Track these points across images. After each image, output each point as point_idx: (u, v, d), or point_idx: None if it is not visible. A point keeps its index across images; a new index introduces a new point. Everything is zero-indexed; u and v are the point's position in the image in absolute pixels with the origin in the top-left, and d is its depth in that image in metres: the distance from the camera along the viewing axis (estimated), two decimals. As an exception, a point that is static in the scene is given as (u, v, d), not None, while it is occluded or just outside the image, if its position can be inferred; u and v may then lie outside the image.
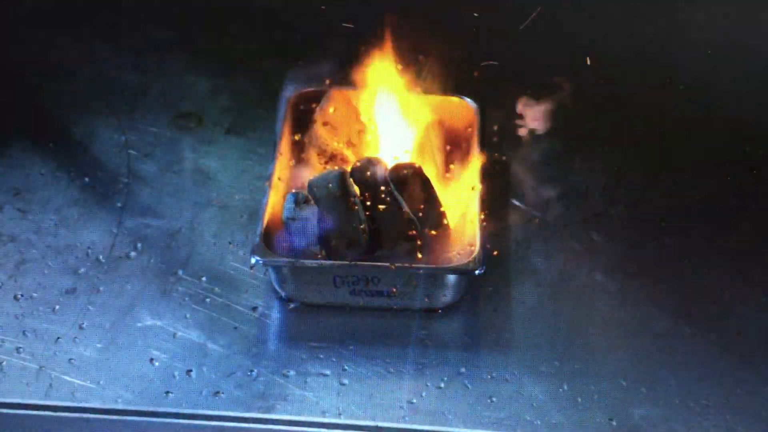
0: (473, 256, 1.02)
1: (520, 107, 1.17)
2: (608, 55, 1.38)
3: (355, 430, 0.94)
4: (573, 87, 1.26)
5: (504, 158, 1.21)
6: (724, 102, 1.32)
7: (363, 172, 1.03)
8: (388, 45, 1.12)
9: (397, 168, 1.02)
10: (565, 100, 1.26)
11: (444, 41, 1.16)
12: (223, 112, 1.27)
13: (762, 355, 1.01)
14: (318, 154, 1.10)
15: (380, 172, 1.03)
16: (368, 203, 1.03)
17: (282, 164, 1.09)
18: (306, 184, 1.06)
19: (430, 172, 1.10)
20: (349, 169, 1.05)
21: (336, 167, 1.06)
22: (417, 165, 1.03)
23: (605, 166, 1.23)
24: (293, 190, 1.06)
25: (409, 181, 1.02)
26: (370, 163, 1.03)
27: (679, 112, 1.33)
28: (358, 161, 1.04)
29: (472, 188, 1.08)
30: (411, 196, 1.02)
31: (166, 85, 1.32)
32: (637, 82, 1.37)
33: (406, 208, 1.01)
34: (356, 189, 1.03)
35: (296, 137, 1.12)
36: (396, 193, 1.01)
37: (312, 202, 1.02)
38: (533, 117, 1.16)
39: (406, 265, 1.03)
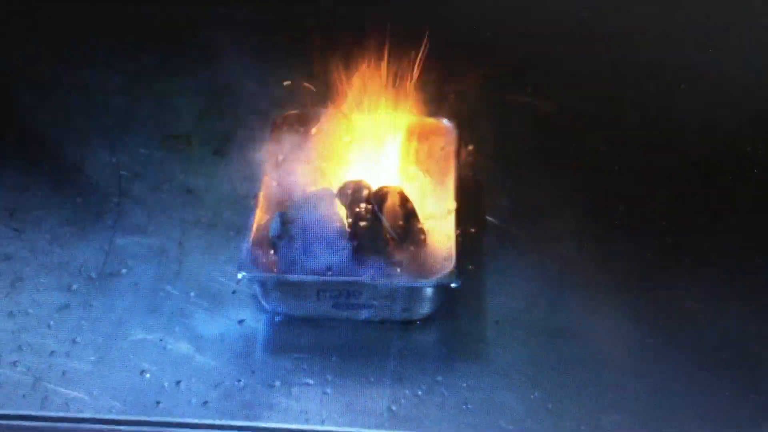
0: (450, 270, 1.02)
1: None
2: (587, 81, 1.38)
3: None
4: (544, 109, 1.28)
5: (479, 176, 1.20)
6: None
7: (349, 193, 1.04)
8: (371, 67, 1.12)
9: (380, 190, 1.04)
10: (536, 121, 1.28)
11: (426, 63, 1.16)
12: (211, 133, 1.27)
13: (722, 361, 1.01)
14: (304, 174, 1.10)
15: (364, 193, 1.04)
16: (352, 221, 1.03)
17: (267, 184, 1.08)
18: (292, 204, 1.05)
19: (410, 187, 1.09)
20: (335, 190, 1.05)
21: (322, 188, 1.06)
22: (398, 187, 1.05)
23: (574, 185, 1.22)
24: (279, 212, 1.04)
25: (390, 201, 1.04)
26: (356, 185, 1.05)
27: (646, 133, 1.31)
28: (345, 183, 1.06)
29: (448, 211, 1.09)
30: (392, 214, 1.03)
31: (155, 108, 1.32)
32: (615, 110, 1.35)
33: (387, 226, 1.02)
34: (341, 208, 1.04)
35: (281, 157, 1.11)
36: (378, 212, 1.02)
37: (298, 221, 1.02)
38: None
39: (386, 278, 1.00)
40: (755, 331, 1.05)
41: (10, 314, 1.05)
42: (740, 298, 1.09)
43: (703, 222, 1.19)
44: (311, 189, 1.08)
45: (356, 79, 1.11)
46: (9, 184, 1.22)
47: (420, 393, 0.98)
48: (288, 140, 1.14)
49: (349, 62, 1.14)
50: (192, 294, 1.08)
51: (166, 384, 0.98)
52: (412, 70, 1.12)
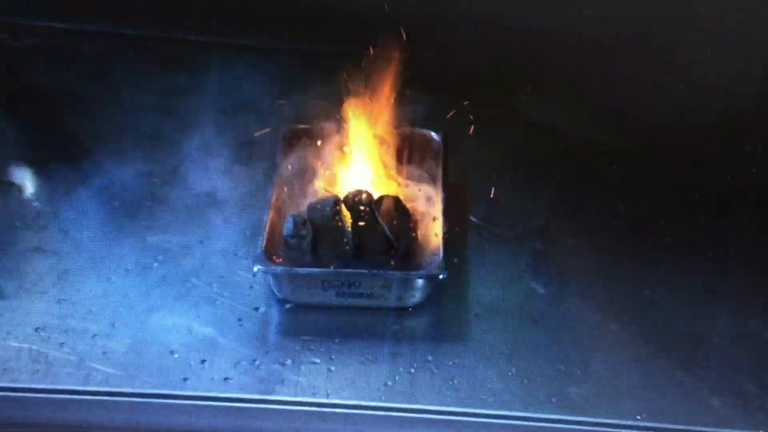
0: (438, 263, 1.06)
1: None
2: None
3: (341, 408, 0.97)
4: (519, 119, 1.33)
5: (463, 182, 1.24)
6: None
7: (352, 199, 1.10)
8: (364, 84, 1.16)
9: (380, 197, 1.10)
10: (513, 133, 1.33)
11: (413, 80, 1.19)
12: (229, 146, 1.29)
13: (675, 343, 1.05)
14: (310, 182, 1.15)
15: (366, 199, 1.10)
16: (353, 223, 1.08)
17: (278, 189, 1.13)
18: (304, 207, 1.10)
19: (404, 192, 1.14)
20: (341, 196, 1.11)
21: (329, 194, 1.11)
22: (395, 195, 1.11)
23: (545, 189, 1.26)
24: (292, 213, 1.08)
25: (386, 205, 1.09)
26: (359, 192, 1.10)
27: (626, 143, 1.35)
28: (350, 191, 1.11)
29: (434, 219, 1.13)
30: (388, 216, 1.08)
31: (181, 123, 1.34)
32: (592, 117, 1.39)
33: (384, 227, 1.07)
34: (345, 212, 1.08)
35: (290, 167, 1.16)
36: (378, 215, 1.08)
37: (308, 222, 1.07)
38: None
39: (382, 271, 1.06)
40: (700, 316, 1.09)
41: (58, 302, 1.08)
42: (687, 288, 1.13)
43: (657, 223, 1.21)
44: (320, 195, 1.12)
45: (354, 99, 1.15)
46: (57, 191, 1.23)
47: (412, 370, 1.01)
48: (296, 151, 1.18)
49: (347, 83, 1.16)
50: (214, 285, 1.11)
51: (192, 363, 1.01)
52: (403, 90, 1.15)
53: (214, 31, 1.50)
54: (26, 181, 1.26)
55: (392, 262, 1.08)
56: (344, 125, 1.15)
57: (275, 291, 1.09)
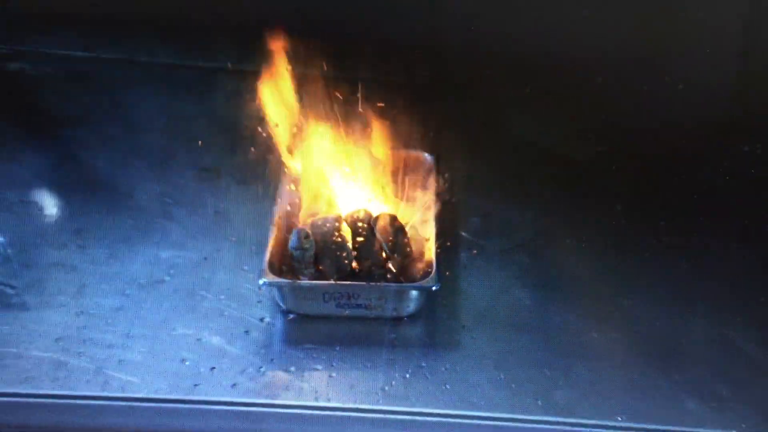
0: (431, 276, 1.07)
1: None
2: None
3: (341, 411, 0.97)
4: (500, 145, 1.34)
5: (453, 198, 1.25)
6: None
7: (351, 217, 1.11)
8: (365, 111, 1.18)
9: (378, 215, 1.11)
10: (500, 153, 1.33)
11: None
12: (236, 167, 1.30)
13: (652, 349, 1.06)
14: (310, 199, 1.15)
15: (364, 217, 1.11)
16: (353, 239, 1.09)
17: (282, 208, 1.15)
18: (308, 224, 1.11)
19: (399, 210, 1.16)
20: (342, 215, 1.12)
21: (332, 214, 1.12)
22: (391, 213, 1.12)
23: (531, 206, 1.27)
24: (297, 228, 1.09)
25: (383, 222, 1.10)
26: (357, 211, 1.12)
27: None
28: (351, 211, 1.12)
29: (427, 238, 1.13)
30: (385, 233, 1.09)
31: (191, 145, 1.35)
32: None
33: (381, 243, 1.09)
34: (345, 229, 1.10)
35: (292, 186, 1.18)
36: (375, 232, 1.09)
37: (311, 237, 1.08)
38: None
39: (379, 284, 1.07)
40: (676, 324, 1.10)
41: (77, 314, 1.08)
42: (664, 298, 1.13)
43: (635, 239, 1.22)
44: (322, 214, 1.13)
45: (352, 122, 1.16)
46: (76, 210, 1.24)
47: (407, 376, 1.02)
48: (298, 172, 1.19)
49: (347, 107, 1.18)
50: (222, 297, 1.11)
51: (202, 370, 1.01)
52: (397, 112, 1.17)
53: (219, 58, 1.51)
54: (46, 201, 1.27)
55: (388, 275, 1.09)
56: (344, 147, 1.16)
57: (279, 303, 1.09)
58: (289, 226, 1.12)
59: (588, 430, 0.96)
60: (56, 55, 1.53)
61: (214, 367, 1.02)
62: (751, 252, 1.21)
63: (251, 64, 1.46)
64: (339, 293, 1.06)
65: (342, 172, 1.17)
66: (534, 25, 1.38)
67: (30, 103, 1.47)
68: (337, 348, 1.05)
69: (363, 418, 0.97)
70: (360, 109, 1.18)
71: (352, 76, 1.22)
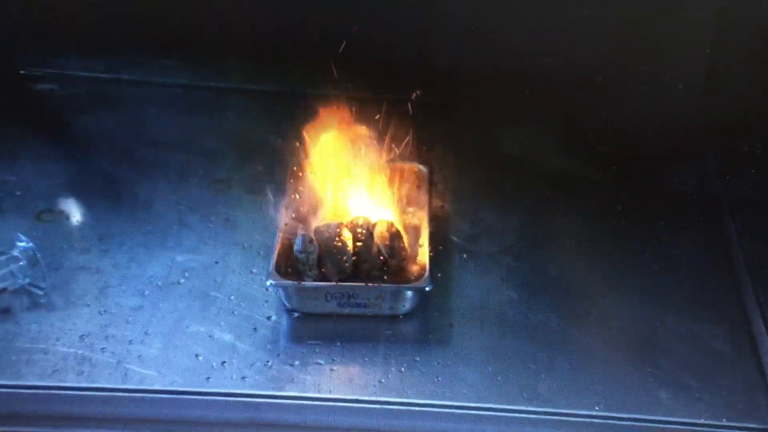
0: (424, 277, 1.09)
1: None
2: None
3: (341, 402, 0.99)
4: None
5: (446, 206, 1.28)
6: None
7: (352, 223, 1.15)
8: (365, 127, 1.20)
9: (377, 222, 1.15)
10: (488, 164, 1.35)
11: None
12: (246, 178, 1.33)
13: (628, 345, 1.09)
14: (313, 207, 1.19)
15: (363, 223, 1.15)
16: (353, 243, 1.12)
17: (287, 215, 1.16)
18: (312, 230, 1.14)
19: (396, 217, 1.18)
20: (344, 221, 1.15)
21: (335, 221, 1.15)
22: (390, 221, 1.15)
23: (516, 213, 1.29)
24: (302, 233, 1.12)
25: (381, 228, 1.14)
26: (357, 218, 1.16)
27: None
28: (351, 218, 1.15)
29: (420, 245, 1.15)
30: (382, 237, 1.13)
31: (205, 158, 1.38)
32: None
33: (379, 247, 1.12)
34: (346, 234, 1.13)
35: (297, 196, 1.20)
36: (375, 238, 1.13)
37: (314, 241, 1.11)
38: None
39: (377, 284, 1.09)
40: (649, 322, 1.12)
41: (99, 313, 1.10)
42: (639, 297, 1.16)
43: (611, 243, 1.25)
44: (325, 221, 1.16)
45: (352, 138, 1.19)
46: (99, 218, 1.27)
47: (402, 369, 1.04)
48: (302, 182, 1.21)
49: (347, 124, 1.20)
50: (233, 297, 1.13)
51: (214, 364, 1.03)
52: (393, 128, 1.19)
53: (232, 78, 1.54)
54: (72, 210, 1.29)
55: (385, 277, 1.12)
56: (345, 159, 1.19)
57: (285, 302, 1.11)
58: (295, 232, 1.13)
59: (568, 418, 0.98)
60: (82, 77, 1.55)
61: (224, 362, 1.04)
62: (718, 254, 1.23)
63: (261, 84, 1.53)
64: (340, 293, 1.09)
65: (345, 182, 1.19)
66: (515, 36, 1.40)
67: (58, 120, 1.50)
68: (338, 344, 1.07)
69: (361, 408, 0.99)
70: (360, 124, 1.20)
71: (355, 95, 1.23)
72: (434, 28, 1.43)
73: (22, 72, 1.55)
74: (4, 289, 1.10)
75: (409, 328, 1.10)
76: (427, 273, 1.09)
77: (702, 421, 0.98)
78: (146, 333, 1.08)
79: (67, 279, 1.15)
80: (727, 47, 1.35)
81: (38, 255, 1.13)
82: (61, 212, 1.28)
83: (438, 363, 1.04)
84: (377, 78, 1.33)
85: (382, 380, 1.02)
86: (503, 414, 0.98)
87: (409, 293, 1.09)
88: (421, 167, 1.27)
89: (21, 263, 1.11)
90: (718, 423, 0.98)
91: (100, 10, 1.45)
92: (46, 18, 1.48)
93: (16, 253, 1.12)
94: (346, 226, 1.13)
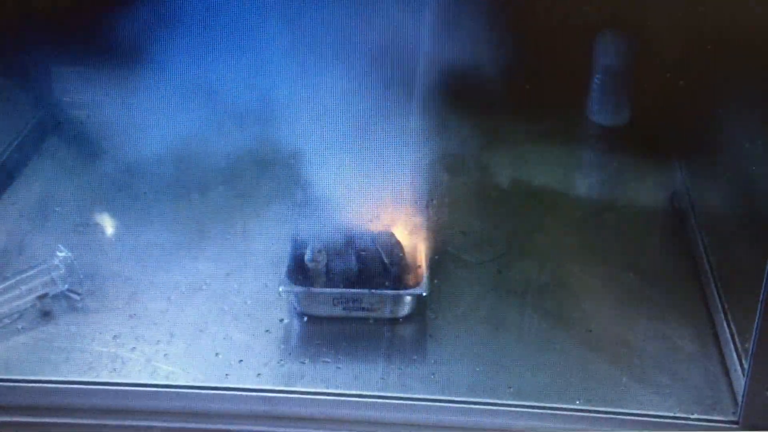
0: (422, 283, 1.11)
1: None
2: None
3: (347, 396, 1.00)
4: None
5: (441, 219, 1.27)
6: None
7: (360, 236, 1.15)
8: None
9: (380, 233, 1.15)
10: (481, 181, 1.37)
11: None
12: (260, 193, 1.32)
13: (606, 345, 1.08)
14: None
15: (368, 235, 1.15)
16: (358, 252, 1.14)
17: (299, 227, 1.15)
18: (322, 241, 1.12)
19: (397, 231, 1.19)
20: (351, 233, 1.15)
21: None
22: (391, 232, 1.16)
23: (504, 225, 1.30)
24: (312, 243, 1.12)
25: (384, 239, 1.15)
26: (363, 230, 1.14)
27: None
28: (357, 230, 1.14)
29: (419, 267, 1.14)
30: (385, 248, 1.14)
31: (222, 176, 1.35)
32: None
33: (382, 256, 1.13)
34: (354, 244, 1.13)
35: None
36: (378, 247, 1.14)
37: (323, 251, 1.12)
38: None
39: (379, 290, 1.10)
40: (626, 324, 1.12)
41: (129, 316, 1.11)
42: (616, 301, 1.16)
43: (592, 249, 1.26)
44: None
45: None
46: (130, 230, 1.27)
47: (402, 367, 1.05)
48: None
49: None
50: (249, 302, 1.14)
51: (232, 362, 1.04)
52: None
53: None
54: (106, 222, 1.30)
55: (387, 283, 1.12)
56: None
57: (296, 306, 1.12)
58: (306, 242, 1.14)
59: (551, 412, 0.98)
60: (115, 103, 1.49)
61: (241, 360, 1.05)
62: (686, 264, 1.23)
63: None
64: (346, 298, 1.09)
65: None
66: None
67: (93, 143, 1.46)
68: (344, 344, 1.07)
69: (365, 402, 1.00)
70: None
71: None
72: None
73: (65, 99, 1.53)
74: (45, 295, 1.12)
75: (408, 330, 1.11)
76: (424, 280, 1.11)
77: (674, 414, 0.98)
78: (172, 334, 1.08)
79: (101, 285, 1.15)
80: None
81: (76, 263, 1.13)
82: (97, 225, 1.29)
83: (433, 362, 1.05)
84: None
85: (384, 377, 1.03)
86: (492, 407, 0.99)
87: (408, 298, 1.10)
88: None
89: (60, 271, 1.13)
90: (689, 416, 0.98)
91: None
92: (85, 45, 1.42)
93: (56, 262, 1.14)
94: (352, 237, 1.13)
